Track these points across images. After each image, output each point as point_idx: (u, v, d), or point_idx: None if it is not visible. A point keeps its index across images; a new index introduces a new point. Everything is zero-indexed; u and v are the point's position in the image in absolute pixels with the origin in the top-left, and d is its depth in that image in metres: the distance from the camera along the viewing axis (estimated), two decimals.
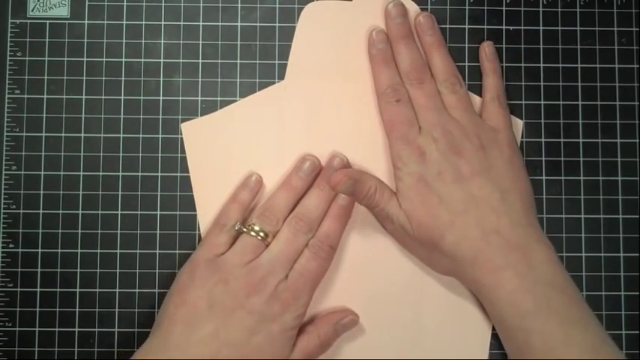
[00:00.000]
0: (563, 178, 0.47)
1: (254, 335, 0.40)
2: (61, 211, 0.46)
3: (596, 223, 0.46)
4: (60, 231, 0.46)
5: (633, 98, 0.47)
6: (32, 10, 0.47)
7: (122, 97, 0.46)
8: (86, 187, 0.46)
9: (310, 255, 0.43)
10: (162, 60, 0.47)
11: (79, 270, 0.46)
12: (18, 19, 0.47)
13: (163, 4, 0.47)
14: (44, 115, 0.46)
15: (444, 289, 0.45)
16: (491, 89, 0.45)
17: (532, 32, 0.47)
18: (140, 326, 0.45)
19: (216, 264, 0.42)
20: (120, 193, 0.46)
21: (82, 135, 0.46)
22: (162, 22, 0.47)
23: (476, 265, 0.41)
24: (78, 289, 0.46)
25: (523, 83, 0.47)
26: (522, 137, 0.47)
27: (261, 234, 0.43)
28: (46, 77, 0.46)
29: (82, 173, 0.46)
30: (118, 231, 0.46)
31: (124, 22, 0.47)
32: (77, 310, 0.45)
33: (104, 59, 0.47)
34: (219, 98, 0.47)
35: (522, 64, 0.47)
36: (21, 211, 0.46)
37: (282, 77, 0.47)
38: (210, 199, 0.46)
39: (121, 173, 0.46)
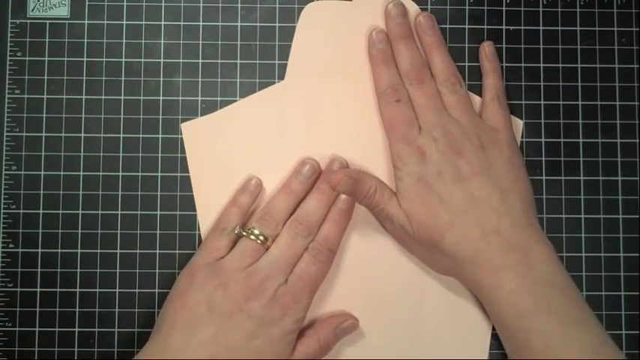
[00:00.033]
0: (563, 178, 0.47)
1: (254, 339, 0.40)
2: (61, 211, 0.46)
3: (596, 223, 0.46)
4: (60, 231, 0.46)
5: (633, 98, 0.47)
6: (32, 10, 0.47)
7: (122, 97, 0.46)
8: (86, 187, 0.46)
9: (310, 259, 0.42)
10: (162, 60, 0.47)
11: (79, 270, 0.46)
12: (18, 19, 0.47)
13: (163, 4, 0.47)
14: (44, 115, 0.46)
15: (444, 289, 0.45)
16: (491, 89, 0.45)
17: (532, 32, 0.47)
18: (140, 326, 0.45)
19: (216, 268, 0.42)
20: (120, 193, 0.46)
21: (82, 135, 0.46)
22: (162, 22, 0.47)
23: (476, 265, 0.41)
24: (78, 289, 0.46)
25: (523, 83, 0.47)
26: (522, 137, 0.47)
27: (261, 238, 0.42)
28: (46, 77, 0.46)
29: (82, 173, 0.46)
30: (118, 231, 0.46)
31: (124, 22, 0.47)
32: (77, 310, 0.45)
33: (104, 59, 0.47)
34: (219, 98, 0.47)
35: (522, 64, 0.47)
36: (21, 211, 0.46)
37: (282, 77, 0.47)
38: (210, 199, 0.46)
39: (121, 173, 0.46)
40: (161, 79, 0.47)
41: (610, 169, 0.47)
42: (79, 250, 0.46)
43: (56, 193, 0.46)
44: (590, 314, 0.40)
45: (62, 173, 0.46)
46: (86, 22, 0.47)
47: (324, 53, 0.46)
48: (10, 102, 0.46)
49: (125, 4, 0.47)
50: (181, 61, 0.47)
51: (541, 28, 0.47)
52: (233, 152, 0.46)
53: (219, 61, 0.47)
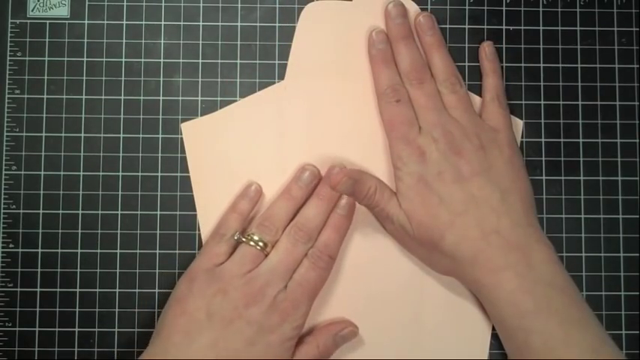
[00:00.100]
0: (563, 178, 0.47)
1: (253, 346, 0.40)
2: (61, 211, 0.46)
3: (596, 223, 0.46)
4: (60, 231, 0.46)
5: (633, 98, 0.47)
6: (32, 10, 0.47)
7: (122, 97, 0.46)
8: (86, 187, 0.46)
9: (309, 265, 0.42)
10: (162, 60, 0.47)
11: (79, 270, 0.46)
12: (18, 19, 0.47)
13: (163, 4, 0.47)
14: (44, 115, 0.46)
15: (444, 289, 0.45)
16: (491, 89, 0.45)
17: (532, 32, 0.47)
18: (140, 326, 0.45)
19: (215, 274, 0.42)
20: (120, 193, 0.46)
21: (82, 135, 0.46)
22: (162, 22, 0.47)
23: (476, 265, 0.41)
24: (78, 289, 0.46)
25: (523, 83, 0.47)
26: (522, 137, 0.47)
27: (261, 244, 0.42)
28: (46, 77, 0.46)
29: (82, 173, 0.46)
30: (118, 231, 0.46)
31: (124, 22, 0.47)
32: (77, 310, 0.45)
33: (104, 59, 0.47)
34: (219, 98, 0.47)
35: (522, 64, 0.47)
36: (21, 211, 0.46)
37: (282, 77, 0.47)
38: (210, 199, 0.46)
39: (121, 173, 0.46)
40: (161, 79, 0.47)
41: (610, 169, 0.47)
42: (79, 250, 0.46)
43: (56, 193, 0.46)
44: (590, 314, 0.40)
45: (62, 173, 0.46)
46: (86, 22, 0.47)
47: (324, 53, 0.46)
48: (10, 102, 0.46)
49: (125, 4, 0.47)
50: (181, 61, 0.47)
51: (541, 28, 0.47)
52: (233, 152, 0.46)
53: (219, 61, 0.47)
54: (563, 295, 0.40)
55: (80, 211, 0.46)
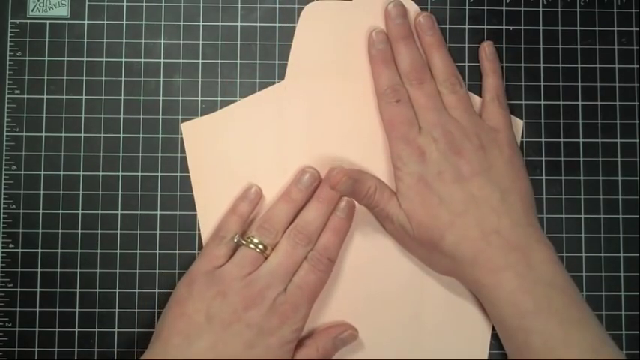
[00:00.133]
0: (563, 178, 0.47)
1: (252, 348, 0.40)
2: (61, 211, 0.46)
3: (596, 223, 0.46)
4: (60, 231, 0.46)
5: (633, 98, 0.47)
6: (32, 10, 0.47)
7: (122, 97, 0.46)
8: (86, 187, 0.46)
9: (309, 267, 0.42)
10: (162, 60, 0.47)
11: (79, 270, 0.46)
12: (18, 19, 0.47)
13: (163, 4, 0.47)
14: (44, 115, 0.46)
15: (444, 289, 0.45)
16: (491, 89, 0.45)
17: (532, 32, 0.47)
18: (140, 326, 0.45)
19: (215, 276, 0.42)
20: (120, 193, 0.46)
21: (82, 135, 0.46)
22: (162, 22, 0.47)
23: (476, 266, 0.41)
24: (78, 289, 0.46)
25: (523, 83, 0.47)
26: (522, 137, 0.47)
27: (260, 246, 0.42)
28: (46, 77, 0.46)
29: (82, 173, 0.46)
30: (118, 231, 0.46)
31: (124, 22, 0.47)
32: (77, 310, 0.45)
33: (104, 59, 0.47)
34: (219, 98, 0.47)
35: (522, 64, 0.47)
36: (21, 211, 0.46)
37: (282, 77, 0.47)
38: (210, 199, 0.46)
39: (121, 173, 0.46)
40: (161, 79, 0.47)
41: (610, 169, 0.47)
42: (79, 250, 0.46)
43: (56, 193, 0.46)
44: (590, 314, 0.40)
45: (62, 173, 0.46)
46: (86, 22, 0.47)
47: (324, 53, 0.46)
48: (10, 102, 0.46)
49: (125, 4, 0.47)
50: (181, 61, 0.47)
51: (541, 28, 0.47)
52: (233, 152, 0.46)
53: (219, 61, 0.47)
54: (563, 295, 0.40)
55: (80, 211, 0.46)
